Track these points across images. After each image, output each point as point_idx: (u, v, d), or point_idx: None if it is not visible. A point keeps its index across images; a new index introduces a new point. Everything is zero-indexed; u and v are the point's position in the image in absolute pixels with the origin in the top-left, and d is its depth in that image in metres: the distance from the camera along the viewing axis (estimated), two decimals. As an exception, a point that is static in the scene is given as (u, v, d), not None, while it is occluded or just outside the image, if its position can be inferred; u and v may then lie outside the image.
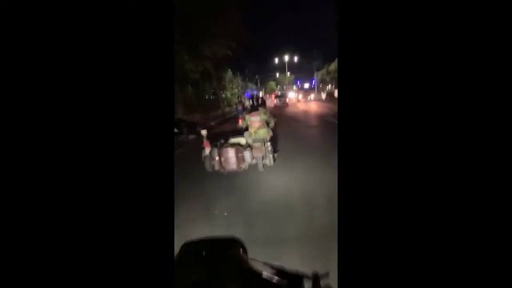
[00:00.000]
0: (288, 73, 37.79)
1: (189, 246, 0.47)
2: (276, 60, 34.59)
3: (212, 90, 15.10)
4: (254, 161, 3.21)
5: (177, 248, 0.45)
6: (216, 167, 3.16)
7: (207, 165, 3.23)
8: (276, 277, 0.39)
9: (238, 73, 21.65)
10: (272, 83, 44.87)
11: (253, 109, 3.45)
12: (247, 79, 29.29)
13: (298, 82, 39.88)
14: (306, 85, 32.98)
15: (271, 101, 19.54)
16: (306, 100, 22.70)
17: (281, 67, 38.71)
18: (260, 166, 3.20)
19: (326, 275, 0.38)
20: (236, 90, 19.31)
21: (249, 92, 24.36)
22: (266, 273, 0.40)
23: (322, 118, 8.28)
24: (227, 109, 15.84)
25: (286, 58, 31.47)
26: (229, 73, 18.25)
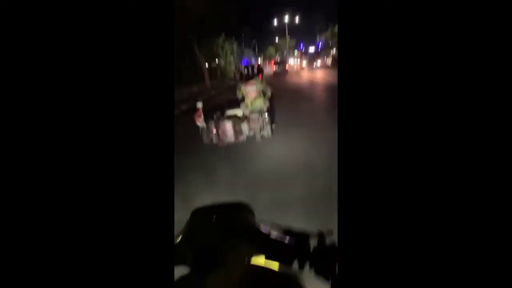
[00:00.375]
0: (288, 37, 36.07)
1: (199, 212, 0.53)
2: (275, 22, 32.84)
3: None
4: (251, 133, 3.36)
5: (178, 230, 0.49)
6: (214, 140, 3.33)
7: (205, 138, 3.40)
8: (283, 236, 0.44)
9: (233, 38, 20.21)
10: (271, 49, 43.05)
11: (249, 78, 3.50)
12: (243, 45, 27.96)
13: (301, 45, 36.16)
14: (312, 49, 29.62)
15: (271, 69, 18.81)
16: (311, 67, 20.77)
17: (281, 30, 36.85)
18: (258, 138, 3.36)
19: (331, 232, 0.44)
20: (232, 57, 18.32)
21: (246, 59, 23.39)
22: (274, 233, 0.45)
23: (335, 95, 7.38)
24: (213, 82, 13.69)
25: (286, 19, 29.85)
26: (222, 38, 16.61)
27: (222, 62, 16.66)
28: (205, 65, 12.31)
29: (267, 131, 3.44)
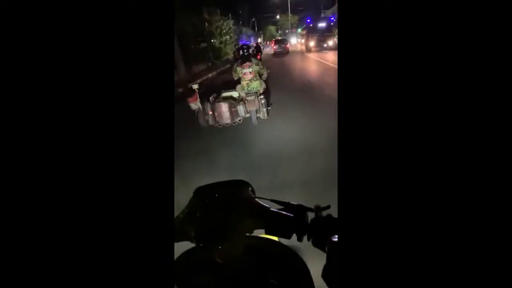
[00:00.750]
0: (290, 15, 35.29)
1: (202, 189, 0.57)
2: (276, -4, 31.90)
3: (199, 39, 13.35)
4: (247, 115, 3.60)
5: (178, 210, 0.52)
6: (210, 122, 3.57)
7: (201, 120, 3.63)
8: (283, 212, 0.47)
9: (230, 15, 19.52)
10: (272, 28, 42.19)
11: (245, 59, 3.69)
12: (241, 22, 27.32)
13: (308, 20, 31.61)
14: (322, 25, 25.68)
15: (271, 49, 18.08)
16: (319, 47, 17.75)
17: (283, 6, 35.99)
18: (254, 120, 3.60)
19: (327, 207, 0.48)
20: (228, 37, 17.83)
21: (244, 39, 22.95)
22: (273, 209, 0.48)
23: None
24: (199, 66, 12.21)
25: (288, -7, 29.00)
26: (211, 14, 15.00)
27: (217, 42, 16.16)
28: (178, 46, 10.16)
29: (263, 113, 3.66)
